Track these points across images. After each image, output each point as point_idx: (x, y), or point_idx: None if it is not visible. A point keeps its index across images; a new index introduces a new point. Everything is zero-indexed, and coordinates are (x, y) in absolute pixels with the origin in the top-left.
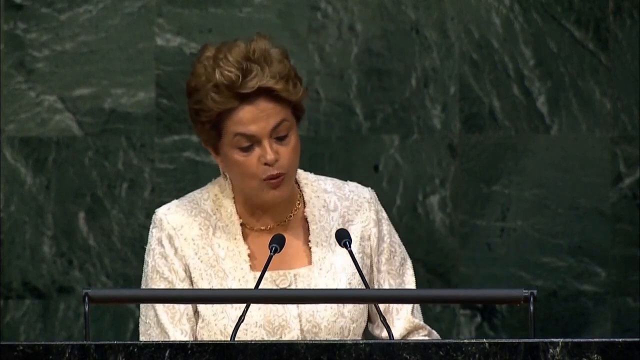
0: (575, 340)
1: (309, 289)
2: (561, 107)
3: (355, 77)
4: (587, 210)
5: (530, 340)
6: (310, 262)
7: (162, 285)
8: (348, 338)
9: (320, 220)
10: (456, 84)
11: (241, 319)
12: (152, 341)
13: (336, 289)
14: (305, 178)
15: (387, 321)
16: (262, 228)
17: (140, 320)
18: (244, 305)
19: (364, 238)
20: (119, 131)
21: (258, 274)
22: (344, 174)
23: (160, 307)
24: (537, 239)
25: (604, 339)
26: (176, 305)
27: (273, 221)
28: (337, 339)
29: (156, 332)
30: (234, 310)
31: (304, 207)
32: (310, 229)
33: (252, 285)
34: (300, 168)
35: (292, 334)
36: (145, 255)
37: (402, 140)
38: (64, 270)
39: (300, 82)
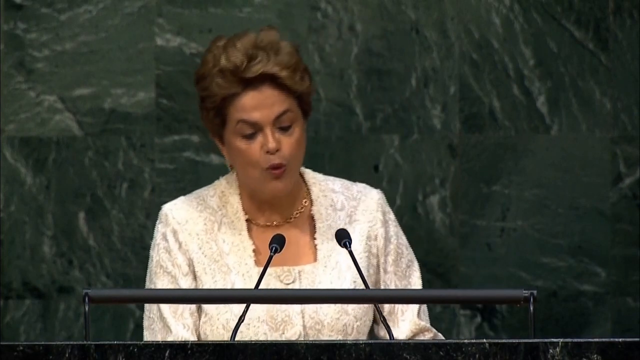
0: (575, 340)
1: (309, 289)
2: (561, 107)
3: (355, 77)
4: (587, 210)
5: (530, 340)
6: (315, 259)
7: (165, 279)
8: (352, 336)
9: (327, 219)
10: (456, 84)
11: (241, 319)
12: (152, 341)
13: (335, 289)
14: (314, 177)
15: (392, 322)
16: (268, 224)
17: (144, 314)
18: None
19: (370, 238)
20: (119, 131)
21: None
22: (344, 174)
23: (161, 302)
24: (537, 239)
25: (604, 339)
26: None
27: (279, 218)
28: (340, 336)
29: (159, 326)
30: (237, 305)
31: (311, 205)
32: (316, 226)
33: (255, 280)
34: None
35: (294, 330)
36: (150, 250)
37: (402, 140)
38: (64, 270)
39: (309, 76)
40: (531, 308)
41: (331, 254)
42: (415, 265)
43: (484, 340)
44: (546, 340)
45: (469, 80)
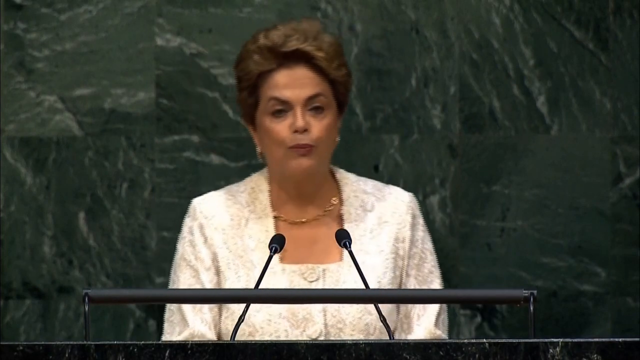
0: (575, 340)
1: (309, 289)
2: (561, 107)
3: (355, 77)
4: (587, 210)
5: (530, 340)
6: (341, 259)
7: (187, 272)
8: (374, 336)
9: (355, 219)
10: (456, 84)
11: (241, 319)
12: (152, 342)
13: (335, 289)
14: (346, 177)
15: (406, 326)
16: (296, 221)
17: (166, 306)
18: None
19: (398, 240)
20: (119, 131)
21: (287, 266)
22: None
23: None
24: (537, 239)
25: (604, 339)
26: None
27: (307, 215)
28: (362, 336)
29: (177, 319)
30: None
31: (341, 204)
32: (344, 226)
33: (280, 277)
34: None
35: (315, 328)
36: (177, 243)
37: (402, 140)
38: (64, 270)
39: (348, 70)
40: (531, 308)
41: (357, 254)
42: (437, 273)
43: (484, 340)
44: (546, 340)
45: (469, 80)
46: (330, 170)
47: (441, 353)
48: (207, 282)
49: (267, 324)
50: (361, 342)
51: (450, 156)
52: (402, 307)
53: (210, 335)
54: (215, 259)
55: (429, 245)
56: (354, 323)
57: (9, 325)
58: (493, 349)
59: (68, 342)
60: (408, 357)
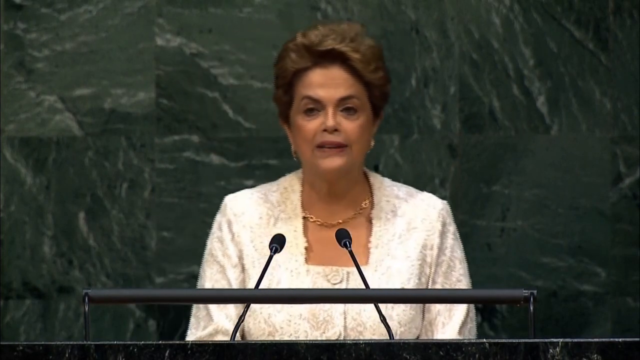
0: (575, 340)
1: (310, 289)
2: (561, 107)
3: None
4: (587, 210)
5: (530, 340)
6: (366, 262)
7: (214, 268)
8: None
9: (385, 224)
10: (456, 84)
11: (241, 319)
12: (152, 342)
13: (334, 289)
14: (380, 182)
15: (430, 333)
16: (325, 222)
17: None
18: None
19: (425, 247)
20: (119, 131)
21: (312, 267)
22: None
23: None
24: (537, 239)
25: (604, 339)
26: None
27: (337, 217)
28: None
29: (203, 313)
30: None
31: (372, 208)
32: (373, 230)
33: (304, 278)
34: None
35: (334, 330)
36: (207, 239)
37: (402, 140)
38: (64, 270)
39: (386, 74)
40: (531, 308)
41: (384, 259)
42: (466, 282)
43: (484, 340)
44: (546, 340)
45: (469, 80)
46: (364, 173)
47: (441, 353)
48: (233, 279)
49: (287, 324)
50: (361, 342)
51: (450, 156)
52: (427, 313)
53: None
54: (241, 256)
55: (458, 254)
56: (374, 327)
57: (9, 325)
58: (493, 349)
59: (68, 342)
60: (408, 357)
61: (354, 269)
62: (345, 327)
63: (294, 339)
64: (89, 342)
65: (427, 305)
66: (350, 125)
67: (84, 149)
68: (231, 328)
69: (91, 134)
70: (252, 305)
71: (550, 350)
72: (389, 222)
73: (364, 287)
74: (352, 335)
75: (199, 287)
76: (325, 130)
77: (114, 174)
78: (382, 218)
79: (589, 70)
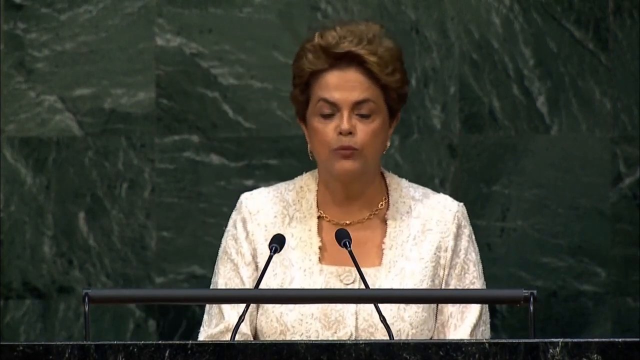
0: (575, 340)
1: (308, 289)
2: (561, 107)
3: None
4: (587, 210)
5: (530, 340)
6: (380, 263)
7: (228, 266)
8: None
9: (400, 225)
10: (456, 84)
11: (241, 319)
12: (152, 342)
13: (335, 290)
14: (397, 183)
15: (442, 335)
16: (340, 222)
17: None
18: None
19: (440, 249)
20: (119, 131)
21: (325, 266)
22: None
23: (221, 287)
24: (537, 239)
25: (604, 339)
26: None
27: (352, 217)
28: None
29: (215, 311)
30: None
31: (387, 209)
32: (387, 231)
33: (316, 277)
34: (303, 168)
35: (346, 330)
36: (223, 237)
37: (402, 140)
38: (64, 270)
39: (404, 76)
40: (531, 308)
41: (397, 260)
42: (480, 284)
43: (484, 340)
44: (546, 340)
45: (468, 80)
46: (381, 174)
47: (441, 353)
48: (246, 277)
49: (299, 323)
50: (361, 342)
51: (450, 156)
52: (440, 315)
53: (245, 330)
54: (255, 254)
55: (472, 257)
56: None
57: (9, 325)
58: (493, 349)
59: (68, 342)
60: (408, 357)
61: (367, 270)
62: (356, 328)
63: (305, 338)
64: (89, 342)
65: (439, 307)
66: (364, 129)
67: (84, 149)
68: (242, 326)
69: (91, 134)
70: (264, 304)
71: (550, 350)
72: (403, 223)
73: (377, 287)
74: (364, 336)
75: (212, 284)
76: (340, 133)
77: (114, 174)
78: (397, 219)
79: (589, 70)
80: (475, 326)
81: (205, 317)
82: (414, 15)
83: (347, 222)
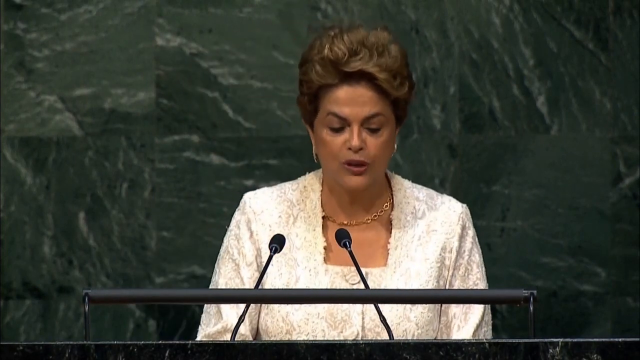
0: (575, 340)
1: (307, 289)
2: (561, 107)
3: None
4: (587, 210)
5: (530, 340)
6: (385, 264)
7: (229, 265)
8: None
9: (404, 225)
10: (456, 84)
11: (241, 319)
12: (152, 342)
13: (335, 290)
14: (400, 184)
15: (445, 336)
16: (345, 223)
17: None
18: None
19: (445, 249)
20: (119, 131)
21: (330, 266)
22: None
23: (222, 286)
24: (537, 239)
25: (604, 339)
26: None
27: (357, 218)
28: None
29: (213, 310)
30: None
31: (392, 210)
32: (392, 231)
33: (322, 277)
34: (303, 168)
35: (352, 330)
36: (224, 236)
37: (402, 140)
38: (64, 270)
39: (411, 84)
40: (531, 308)
41: (403, 261)
42: (483, 286)
43: (484, 340)
44: (546, 340)
45: (468, 80)
46: (385, 175)
47: (441, 353)
48: (247, 277)
49: (305, 323)
50: (361, 342)
51: (450, 156)
52: (443, 316)
53: (244, 330)
54: (259, 254)
55: (476, 258)
56: (392, 328)
57: (9, 325)
58: (493, 349)
59: (68, 342)
60: (408, 357)
61: (373, 270)
62: (363, 327)
63: (311, 338)
64: (89, 342)
65: (443, 308)
66: (374, 143)
67: (84, 149)
68: (241, 326)
69: (91, 134)
70: (270, 304)
71: (550, 350)
72: (408, 224)
73: (382, 288)
74: (370, 336)
75: (212, 283)
76: (349, 148)
77: (114, 174)
78: (402, 220)
79: (589, 70)
80: (478, 327)
81: (204, 316)
82: (414, 15)
83: (353, 222)
